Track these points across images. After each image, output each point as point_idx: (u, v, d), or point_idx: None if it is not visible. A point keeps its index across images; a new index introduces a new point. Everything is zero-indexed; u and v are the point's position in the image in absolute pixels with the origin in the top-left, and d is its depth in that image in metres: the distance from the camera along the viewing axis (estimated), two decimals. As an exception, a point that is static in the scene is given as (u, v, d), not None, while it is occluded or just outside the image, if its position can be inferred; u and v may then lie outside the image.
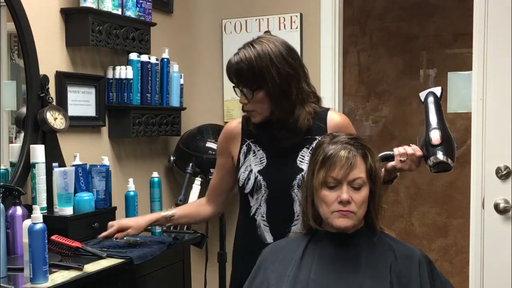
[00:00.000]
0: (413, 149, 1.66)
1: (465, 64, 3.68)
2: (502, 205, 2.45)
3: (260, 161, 1.81)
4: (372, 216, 1.52)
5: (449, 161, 1.62)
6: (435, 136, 1.65)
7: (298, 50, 2.95)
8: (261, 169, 1.80)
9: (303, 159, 1.78)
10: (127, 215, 2.38)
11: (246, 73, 1.72)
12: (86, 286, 1.79)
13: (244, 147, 1.85)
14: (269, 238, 1.78)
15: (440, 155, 1.61)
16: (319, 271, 1.46)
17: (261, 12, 3.03)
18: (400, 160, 1.65)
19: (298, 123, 1.76)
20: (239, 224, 1.92)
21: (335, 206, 1.46)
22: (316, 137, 1.78)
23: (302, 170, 1.76)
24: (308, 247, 1.52)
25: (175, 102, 2.84)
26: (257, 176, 1.79)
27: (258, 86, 1.73)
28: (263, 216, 1.79)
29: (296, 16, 2.96)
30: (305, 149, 1.79)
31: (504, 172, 2.45)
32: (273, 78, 1.71)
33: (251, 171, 1.81)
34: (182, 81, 2.89)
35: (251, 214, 1.81)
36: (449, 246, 4.09)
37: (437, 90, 1.80)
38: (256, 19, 3.03)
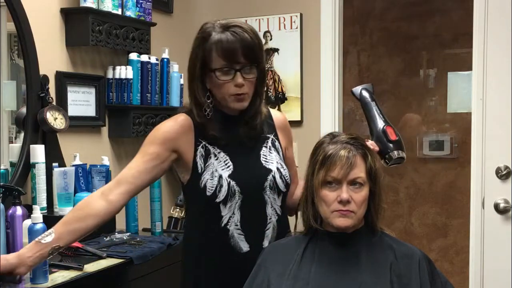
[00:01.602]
0: (371, 144, 1.70)
1: (465, 64, 3.68)
2: (502, 205, 2.45)
3: (226, 165, 1.65)
4: (372, 215, 1.52)
5: (404, 155, 1.78)
6: (392, 132, 1.77)
7: (298, 50, 2.97)
8: (231, 173, 1.63)
9: (266, 159, 1.70)
10: (127, 215, 2.38)
11: (258, 49, 1.61)
12: (86, 286, 1.79)
13: (201, 149, 1.65)
14: (244, 246, 1.64)
15: (400, 152, 1.77)
16: (319, 271, 1.46)
17: (261, 12, 3.03)
18: None
19: (259, 120, 1.69)
20: (202, 238, 1.67)
21: (335, 206, 1.46)
22: (268, 135, 1.73)
23: (271, 170, 1.68)
24: (308, 246, 1.52)
25: (175, 102, 2.84)
26: (230, 182, 1.62)
27: (258, 65, 1.62)
28: (236, 225, 1.63)
29: (296, 16, 2.97)
30: (264, 148, 1.71)
31: (504, 172, 2.45)
32: (263, 60, 1.66)
33: (220, 177, 1.62)
34: (182, 81, 2.89)
35: (223, 224, 1.63)
36: (449, 246, 4.09)
37: (369, 86, 1.89)
38: (256, 19, 3.03)
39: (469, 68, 2.61)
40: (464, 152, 3.86)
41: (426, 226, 4.16)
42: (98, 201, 1.60)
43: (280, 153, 1.75)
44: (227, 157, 1.65)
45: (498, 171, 2.47)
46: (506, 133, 2.45)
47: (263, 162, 1.69)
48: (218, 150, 1.65)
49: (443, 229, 4.11)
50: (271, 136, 1.75)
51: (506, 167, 2.45)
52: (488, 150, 2.49)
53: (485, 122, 2.49)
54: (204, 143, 1.66)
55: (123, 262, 1.95)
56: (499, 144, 2.47)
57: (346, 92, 3.00)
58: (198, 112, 1.65)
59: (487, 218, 2.49)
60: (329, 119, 2.89)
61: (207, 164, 1.64)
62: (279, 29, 3.00)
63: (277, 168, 1.70)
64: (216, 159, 1.64)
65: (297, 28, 2.97)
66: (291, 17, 2.98)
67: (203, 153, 1.65)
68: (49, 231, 1.55)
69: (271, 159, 1.71)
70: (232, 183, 1.62)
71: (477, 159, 2.51)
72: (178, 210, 2.71)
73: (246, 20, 3.04)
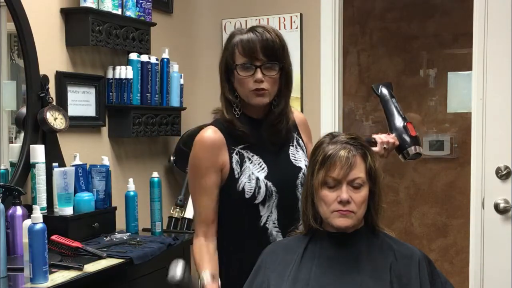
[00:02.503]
0: (393, 138, 1.87)
1: (465, 64, 3.68)
2: (502, 205, 2.45)
3: (261, 167, 1.73)
4: (372, 216, 1.53)
5: (421, 151, 1.92)
6: (412, 128, 1.89)
7: (298, 50, 2.96)
8: (267, 175, 1.71)
9: (295, 157, 1.77)
10: (127, 215, 2.38)
11: (278, 47, 1.69)
12: (86, 286, 1.79)
13: (235, 156, 1.72)
14: None
15: (418, 147, 1.90)
16: (319, 271, 1.46)
17: (261, 12, 3.03)
18: (384, 148, 1.87)
19: (284, 124, 1.76)
20: (242, 240, 1.74)
21: (335, 206, 1.46)
22: (294, 134, 1.81)
23: (300, 168, 1.76)
24: (308, 247, 1.52)
25: (175, 102, 2.84)
26: (267, 183, 1.70)
27: (281, 64, 1.71)
28: (274, 223, 1.71)
29: (296, 16, 2.97)
30: (291, 147, 1.79)
31: (504, 172, 2.45)
32: (289, 61, 1.75)
33: (257, 179, 1.70)
34: (182, 81, 2.89)
35: (262, 224, 1.71)
36: (449, 246, 4.09)
37: (389, 84, 2.03)
38: (256, 19, 3.03)
39: (469, 68, 2.61)
40: (464, 152, 3.86)
41: (426, 226, 4.16)
42: (209, 244, 1.74)
43: (305, 151, 1.83)
44: (261, 160, 1.73)
45: (498, 171, 2.47)
46: (506, 133, 2.45)
47: (292, 160, 1.77)
48: (251, 154, 1.73)
49: (443, 229, 4.11)
50: (295, 135, 1.82)
51: (506, 167, 2.45)
52: (488, 150, 2.49)
53: (485, 122, 2.49)
54: (237, 149, 1.73)
55: (123, 262, 1.94)
56: (499, 144, 2.47)
57: (346, 92, 3.01)
58: (228, 109, 1.73)
59: (487, 218, 2.49)
60: (329, 119, 2.89)
61: (243, 168, 1.71)
62: (279, 29, 2.99)
63: (306, 166, 1.75)
64: (251, 163, 1.72)
65: (297, 28, 2.97)
66: (291, 17, 2.98)
67: (238, 159, 1.72)
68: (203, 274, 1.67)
69: (299, 157, 1.78)
70: (269, 184, 1.70)
71: (477, 159, 2.51)
72: (178, 210, 2.71)
73: (246, 20, 3.04)
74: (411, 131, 1.88)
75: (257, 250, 1.67)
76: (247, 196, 1.69)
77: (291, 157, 1.77)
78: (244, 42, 1.67)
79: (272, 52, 1.68)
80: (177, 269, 1.50)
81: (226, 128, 1.73)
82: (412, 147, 1.88)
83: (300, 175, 1.75)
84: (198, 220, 1.75)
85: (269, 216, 1.71)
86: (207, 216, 1.73)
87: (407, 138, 1.88)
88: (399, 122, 1.91)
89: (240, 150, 1.73)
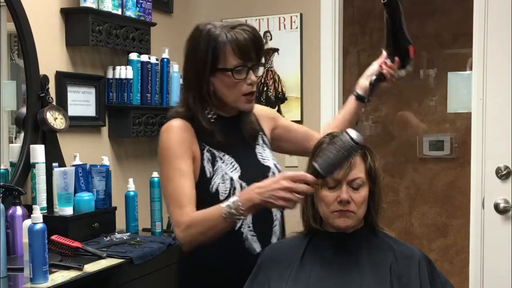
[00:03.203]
0: (393, 66, 1.77)
1: (465, 64, 3.68)
2: (502, 205, 2.45)
3: (233, 166, 1.62)
4: (372, 216, 1.52)
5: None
6: (412, 51, 1.77)
7: (298, 50, 2.97)
8: (240, 175, 1.61)
9: (262, 156, 1.69)
10: (127, 215, 2.38)
11: (263, 46, 1.63)
12: (86, 286, 1.79)
13: (207, 153, 1.61)
14: (257, 247, 1.62)
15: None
16: (320, 271, 1.46)
17: (261, 12, 3.03)
18: (392, 80, 1.80)
19: (253, 117, 1.70)
20: (215, 245, 1.54)
21: (335, 206, 1.46)
22: (259, 132, 1.72)
23: (269, 168, 1.68)
24: (309, 247, 1.52)
25: (175, 102, 2.84)
26: (241, 184, 1.60)
27: (263, 63, 1.65)
28: (249, 226, 1.61)
29: (296, 16, 2.97)
30: (258, 146, 1.70)
31: (504, 172, 2.45)
32: None
33: (231, 179, 1.60)
34: (182, 81, 2.89)
35: (236, 227, 1.58)
36: (449, 246, 4.09)
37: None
38: (256, 19, 3.03)
39: (469, 68, 2.61)
40: (464, 152, 3.86)
41: (426, 226, 4.16)
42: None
43: (269, 148, 1.75)
44: (232, 159, 1.63)
45: (498, 171, 2.46)
46: (506, 133, 2.45)
47: (260, 160, 1.69)
48: (222, 153, 1.63)
49: (443, 229, 4.11)
50: (260, 133, 1.74)
51: (506, 167, 2.45)
52: (488, 150, 2.48)
53: (485, 122, 2.49)
54: (207, 147, 1.62)
55: (123, 262, 1.95)
56: (499, 144, 2.46)
57: (346, 92, 3.00)
58: (204, 115, 1.62)
59: (487, 218, 2.49)
60: (329, 119, 2.89)
61: (215, 168, 1.61)
62: (279, 29, 3.00)
63: (274, 165, 1.70)
64: (223, 162, 1.62)
65: (297, 28, 2.97)
66: (291, 17, 2.98)
67: (210, 157, 1.61)
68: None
69: (266, 156, 1.71)
70: (244, 184, 1.60)
71: (477, 159, 2.51)
72: (178, 210, 2.70)
73: (246, 20, 3.04)
74: (411, 54, 1.78)
75: (230, 257, 1.59)
76: (221, 198, 1.57)
77: (258, 157, 1.69)
78: (240, 42, 1.56)
79: (262, 52, 1.62)
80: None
81: (196, 126, 1.62)
82: (407, 67, 1.80)
83: (270, 174, 1.65)
84: (183, 203, 1.53)
85: (243, 220, 1.57)
86: (192, 196, 1.55)
87: (405, 59, 1.77)
88: (404, 41, 1.76)
89: (211, 149, 1.62)
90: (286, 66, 3.00)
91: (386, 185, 3.99)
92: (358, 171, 1.47)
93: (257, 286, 1.50)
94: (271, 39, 3.03)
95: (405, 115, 4.13)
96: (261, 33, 2.98)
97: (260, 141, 1.73)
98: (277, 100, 3.02)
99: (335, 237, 1.50)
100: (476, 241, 2.52)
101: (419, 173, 4.13)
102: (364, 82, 1.84)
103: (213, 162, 1.61)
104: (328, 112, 2.93)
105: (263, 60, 1.64)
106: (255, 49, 1.58)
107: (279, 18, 3.00)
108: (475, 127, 2.52)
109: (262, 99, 3.03)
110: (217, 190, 1.59)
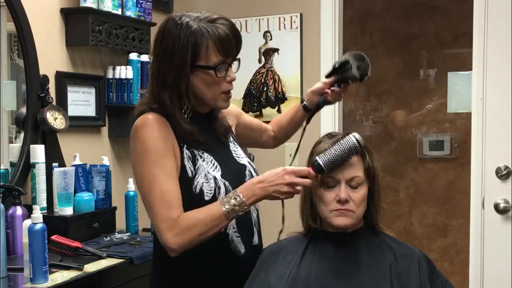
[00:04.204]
0: (340, 92, 1.77)
1: (465, 64, 3.68)
2: (502, 205, 2.45)
3: (214, 165, 1.55)
4: (371, 215, 1.52)
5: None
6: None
7: (298, 50, 2.96)
8: (222, 174, 1.55)
9: (237, 154, 1.65)
10: (127, 215, 2.38)
11: (241, 42, 1.55)
12: (86, 286, 1.79)
13: (187, 151, 1.53)
14: (242, 249, 1.58)
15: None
16: (319, 272, 1.46)
17: (261, 12, 3.03)
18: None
19: (222, 114, 1.66)
20: (200, 251, 1.48)
21: (334, 205, 1.46)
22: (228, 127, 1.68)
23: (245, 166, 1.64)
24: (308, 247, 1.52)
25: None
26: (225, 183, 1.54)
27: (239, 59, 1.56)
28: (234, 227, 1.55)
29: (296, 16, 2.96)
30: (231, 144, 1.66)
31: (504, 172, 2.45)
32: None
33: (215, 178, 1.53)
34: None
35: (222, 229, 1.50)
36: (449, 246, 4.08)
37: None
38: (256, 19, 3.03)
39: (469, 68, 2.61)
40: (464, 152, 3.86)
41: (426, 226, 4.16)
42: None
43: (239, 144, 1.71)
44: (211, 157, 1.56)
45: (498, 171, 2.46)
46: (506, 133, 2.45)
47: (236, 158, 1.65)
48: (201, 151, 1.55)
49: (443, 229, 4.11)
50: (231, 132, 1.71)
51: (506, 167, 2.45)
52: (488, 150, 2.49)
53: (485, 122, 2.49)
54: (185, 145, 1.53)
55: (123, 262, 1.95)
56: (499, 144, 2.46)
57: (346, 92, 3.00)
58: (181, 116, 1.53)
59: (487, 218, 2.49)
60: (329, 119, 2.89)
61: (196, 167, 1.53)
62: (279, 29, 2.99)
63: (248, 162, 1.68)
64: (203, 161, 1.54)
65: (297, 28, 2.97)
66: (291, 17, 2.98)
67: (190, 155, 1.53)
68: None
69: (240, 154, 1.67)
70: (227, 183, 1.55)
71: (477, 159, 2.51)
72: (178, 210, 2.70)
73: (246, 20, 3.04)
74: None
75: (217, 260, 1.54)
76: (206, 199, 1.50)
77: (234, 155, 1.64)
78: (223, 39, 1.47)
79: (240, 47, 1.54)
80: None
81: (172, 124, 1.53)
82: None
83: (247, 173, 1.62)
84: (173, 205, 1.44)
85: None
86: (180, 199, 1.46)
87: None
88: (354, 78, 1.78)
89: (189, 147, 1.53)
90: (286, 66, 3.00)
91: (386, 185, 3.99)
92: (357, 170, 1.47)
93: (257, 286, 1.50)
94: (271, 39, 3.03)
95: (397, 115, 4.13)
96: (261, 33, 3.02)
97: (231, 139, 1.69)
98: (277, 100, 3.02)
99: (334, 237, 1.50)
100: (476, 241, 2.52)
101: (419, 173, 4.13)
102: (312, 97, 1.80)
103: (194, 160, 1.53)
104: (328, 112, 2.92)
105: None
106: (236, 45, 1.51)
107: (279, 18, 3.00)
108: (475, 127, 2.52)
109: (262, 99, 3.03)
110: (201, 190, 1.51)
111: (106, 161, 2.37)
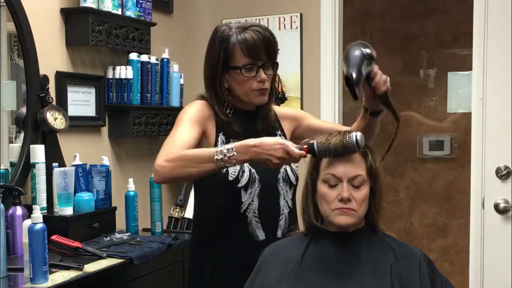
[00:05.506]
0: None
1: (465, 64, 3.68)
2: (502, 205, 2.45)
3: None
4: (373, 215, 1.52)
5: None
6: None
7: (298, 50, 2.96)
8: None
9: None
10: (127, 215, 2.38)
11: (275, 46, 1.74)
12: (86, 286, 1.79)
13: (222, 137, 1.74)
14: (261, 235, 1.72)
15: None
16: (320, 271, 1.46)
17: (261, 12, 3.03)
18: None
19: (272, 114, 1.82)
20: (219, 222, 1.73)
21: (336, 204, 1.46)
22: (276, 132, 1.83)
23: None
24: (309, 246, 1.52)
25: (175, 102, 2.84)
26: (251, 169, 1.70)
27: (276, 62, 1.76)
28: (254, 212, 1.71)
29: (296, 16, 2.97)
30: None
31: (504, 172, 2.45)
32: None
33: None
34: (182, 81, 2.90)
35: (242, 210, 1.70)
36: (449, 246, 4.08)
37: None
38: (256, 19, 3.02)
39: (469, 68, 2.61)
40: (464, 152, 3.86)
41: (426, 226, 4.16)
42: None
43: None
44: None
45: (498, 171, 2.46)
46: (506, 133, 2.45)
47: None
48: (236, 140, 1.67)
49: (443, 229, 4.11)
50: (278, 132, 1.84)
51: (506, 167, 2.45)
52: (488, 150, 2.49)
53: (485, 122, 2.49)
54: (222, 132, 1.74)
55: (123, 262, 1.95)
56: (499, 144, 2.46)
57: (346, 92, 3.00)
58: (221, 110, 1.74)
59: (487, 218, 2.49)
60: (329, 119, 2.89)
61: None
62: (279, 29, 2.99)
63: None
64: None
65: (297, 28, 2.97)
66: (291, 17, 2.98)
67: (224, 141, 1.72)
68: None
69: None
70: (253, 170, 1.70)
71: (477, 159, 2.51)
72: (178, 210, 2.71)
73: (246, 20, 3.04)
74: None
75: (233, 239, 1.71)
76: (230, 179, 1.69)
77: None
78: (248, 42, 1.69)
79: (272, 51, 1.74)
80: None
81: (215, 114, 1.75)
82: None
83: (282, 170, 1.76)
84: (178, 144, 1.62)
85: (250, 204, 1.71)
86: (188, 144, 1.63)
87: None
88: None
89: (227, 135, 1.74)
90: (286, 66, 2.99)
91: (386, 185, 3.98)
92: (359, 169, 1.47)
93: (257, 286, 1.50)
94: (271, 39, 3.02)
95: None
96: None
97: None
98: (277, 100, 3.02)
99: (335, 237, 1.50)
100: (476, 241, 2.52)
101: (419, 173, 4.13)
102: (371, 104, 1.87)
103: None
104: (328, 112, 2.93)
105: (276, 59, 1.76)
106: (264, 49, 1.70)
107: (279, 18, 3.00)
108: (475, 127, 2.52)
109: (262, 99, 3.03)
110: (227, 171, 1.67)
111: (106, 161, 2.37)
